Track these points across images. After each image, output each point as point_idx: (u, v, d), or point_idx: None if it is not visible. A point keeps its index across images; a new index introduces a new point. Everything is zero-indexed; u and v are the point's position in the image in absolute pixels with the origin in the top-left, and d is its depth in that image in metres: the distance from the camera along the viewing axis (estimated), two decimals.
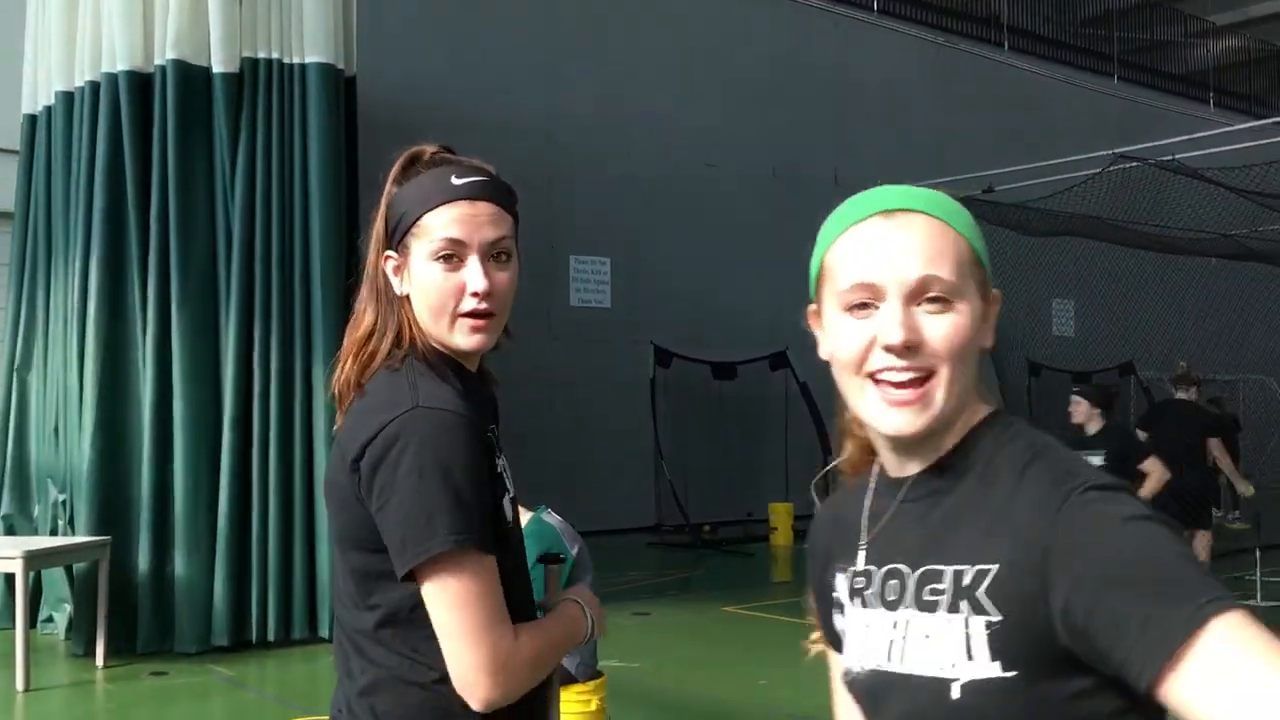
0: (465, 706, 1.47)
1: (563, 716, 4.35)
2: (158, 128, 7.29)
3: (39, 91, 8.24)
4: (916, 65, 17.20)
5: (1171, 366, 9.49)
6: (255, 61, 7.42)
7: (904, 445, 1.22)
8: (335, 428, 1.63)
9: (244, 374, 7.25)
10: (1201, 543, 8.66)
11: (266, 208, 7.35)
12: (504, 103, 12.91)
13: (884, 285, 1.17)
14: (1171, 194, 9.60)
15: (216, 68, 7.32)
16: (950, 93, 17.51)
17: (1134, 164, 8.51)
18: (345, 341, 1.62)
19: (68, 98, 7.78)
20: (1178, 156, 8.49)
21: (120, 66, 7.31)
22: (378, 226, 1.61)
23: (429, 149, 1.64)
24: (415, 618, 1.48)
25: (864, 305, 1.18)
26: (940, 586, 1.15)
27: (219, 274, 7.32)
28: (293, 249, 7.40)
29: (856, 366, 1.18)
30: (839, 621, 1.30)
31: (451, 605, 1.44)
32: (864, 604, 1.25)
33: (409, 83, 11.82)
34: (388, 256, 1.60)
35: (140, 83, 7.32)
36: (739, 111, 14.97)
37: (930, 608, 1.15)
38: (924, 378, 1.16)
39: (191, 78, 7.29)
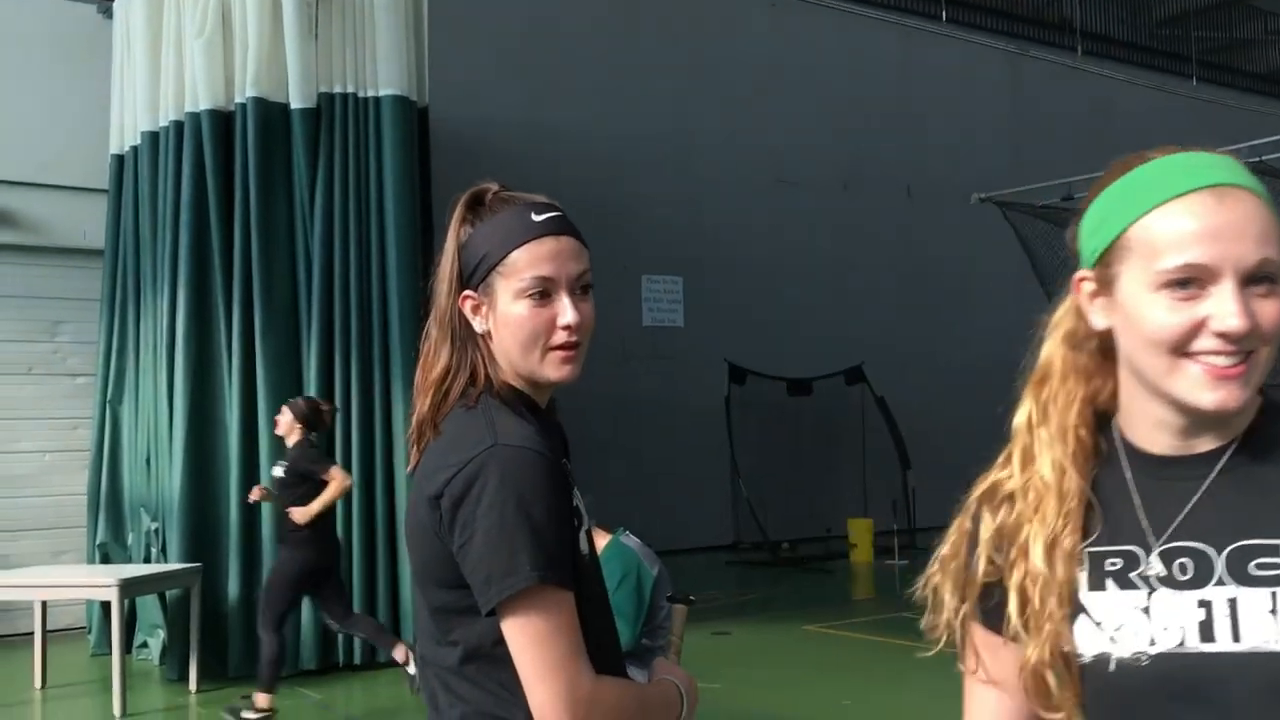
0: None
1: None
2: (239, 164, 7.49)
3: (126, 132, 8.52)
4: (988, 73, 17.00)
5: None
6: (332, 96, 7.59)
7: (1203, 423, 1.21)
8: (409, 467, 1.66)
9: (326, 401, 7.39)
10: None
11: (345, 239, 7.50)
12: (573, 125, 13.01)
13: (1220, 268, 1.14)
14: None
15: (295, 103, 7.50)
16: (1024, 100, 17.27)
17: None
18: (419, 381, 1.65)
19: (153, 138, 8.02)
20: (1265, 158, 8.28)
21: (203, 106, 7.52)
22: (449, 268, 1.63)
23: (491, 188, 1.67)
24: (498, 653, 1.50)
25: (1185, 284, 1.15)
26: (1274, 560, 1.15)
27: (300, 305, 7.49)
28: (370, 279, 7.54)
29: (1175, 347, 1.16)
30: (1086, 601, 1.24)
31: (532, 641, 1.46)
32: (1127, 585, 1.21)
33: (479, 111, 11.98)
34: (466, 297, 1.62)
35: (222, 121, 7.53)
36: (807, 125, 14.93)
37: (1267, 583, 1.14)
38: (1244, 358, 1.16)
39: (271, 114, 7.48)
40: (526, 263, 1.58)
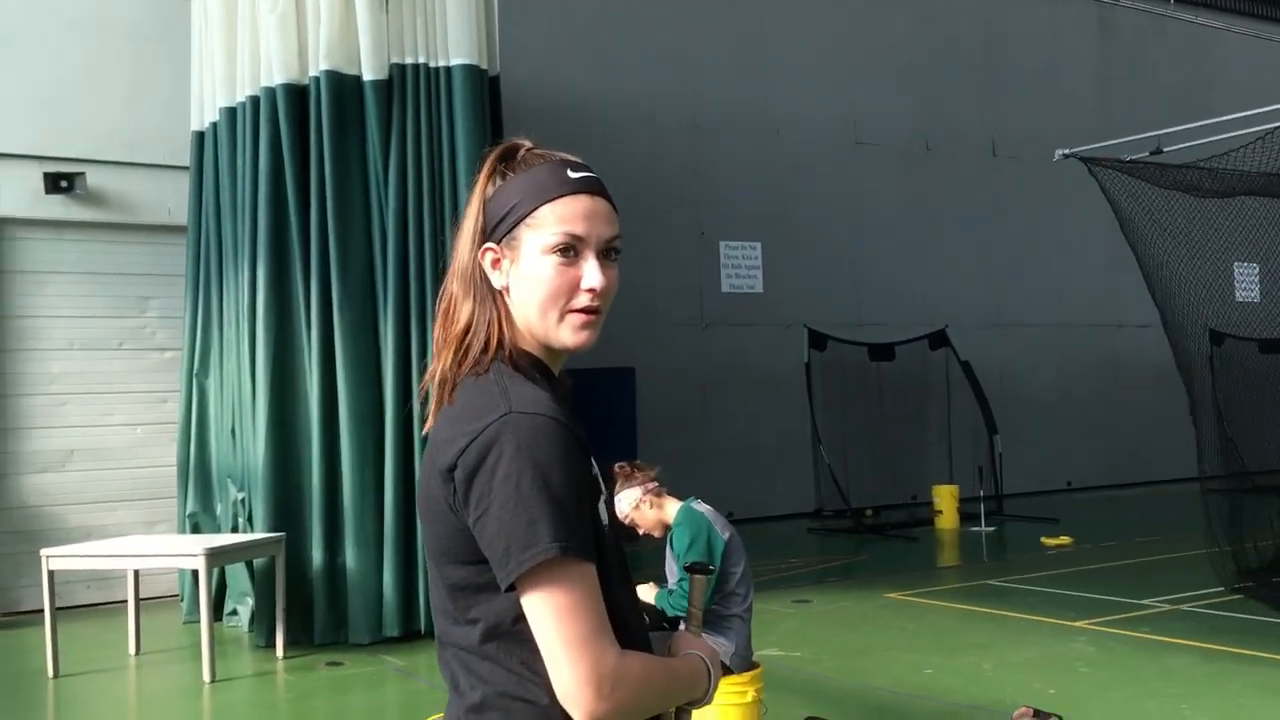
0: None
1: (718, 708, 4.32)
2: (314, 136, 7.54)
3: (205, 109, 8.64)
4: (1074, 25, 16.47)
5: None
6: (403, 67, 7.60)
7: None
8: (425, 427, 1.60)
9: (403, 371, 7.45)
10: None
11: (419, 208, 7.53)
12: (647, 92, 12.91)
13: None
14: None
15: (367, 75, 7.53)
16: (1112, 51, 16.71)
17: None
18: (439, 336, 1.59)
19: (231, 113, 8.13)
20: None
21: (278, 80, 7.59)
22: (473, 221, 1.58)
23: (524, 144, 1.62)
24: (520, 631, 1.45)
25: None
26: None
27: (376, 275, 7.54)
28: (444, 249, 7.53)
29: None
30: None
31: (555, 616, 1.40)
32: None
33: (552, 79, 11.95)
34: (487, 249, 1.56)
35: (297, 94, 7.59)
36: (887, 85, 14.62)
37: None
38: None
39: (344, 86, 7.51)
40: (558, 218, 1.52)
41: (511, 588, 1.42)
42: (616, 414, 11.61)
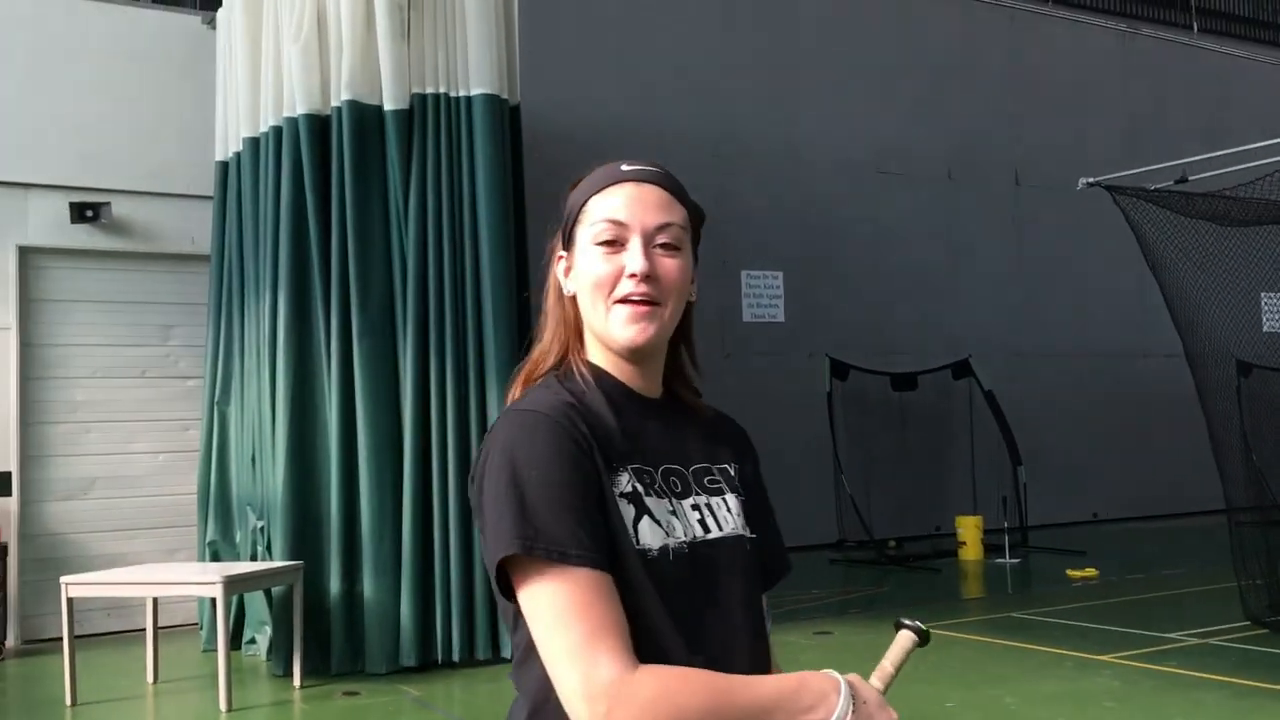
0: None
1: None
2: (335, 166, 7.58)
3: (230, 140, 8.72)
4: (1098, 55, 16.44)
5: None
6: (424, 97, 7.64)
7: None
8: None
9: (422, 401, 7.44)
10: None
11: (439, 238, 7.54)
12: (669, 120, 12.94)
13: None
14: None
15: (388, 105, 7.57)
16: (1136, 81, 16.66)
17: None
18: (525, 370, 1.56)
19: (254, 143, 8.19)
20: None
21: (300, 110, 7.64)
22: (556, 237, 1.56)
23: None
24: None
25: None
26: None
27: (396, 304, 7.55)
28: (464, 277, 7.57)
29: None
30: None
31: (542, 624, 1.33)
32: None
33: (572, 108, 11.99)
34: (560, 257, 1.53)
35: (318, 125, 7.64)
36: (910, 115, 14.61)
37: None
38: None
39: (365, 116, 7.56)
40: (601, 207, 1.47)
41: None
42: None
